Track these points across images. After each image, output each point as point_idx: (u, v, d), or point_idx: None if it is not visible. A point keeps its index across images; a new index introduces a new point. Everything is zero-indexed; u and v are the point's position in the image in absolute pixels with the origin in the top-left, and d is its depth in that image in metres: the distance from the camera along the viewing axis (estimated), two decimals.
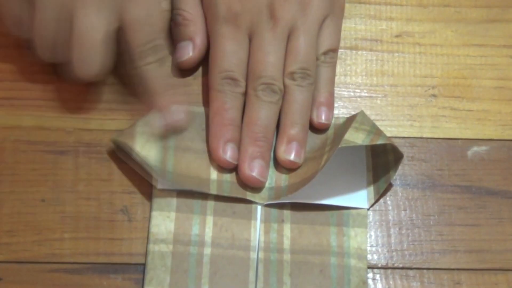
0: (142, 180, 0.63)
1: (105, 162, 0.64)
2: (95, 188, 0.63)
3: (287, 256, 0.61)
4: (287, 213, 0.62)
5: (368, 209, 0.63)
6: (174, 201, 0.62)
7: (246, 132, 0.63)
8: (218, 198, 0.62)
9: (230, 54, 0.63)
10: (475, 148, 0.66)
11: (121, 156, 0.63)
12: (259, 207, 0.63)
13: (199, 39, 0.65)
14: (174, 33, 0.67)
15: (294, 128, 0.63)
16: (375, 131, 0.63)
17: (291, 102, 0.63)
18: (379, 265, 0.62)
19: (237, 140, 0.63)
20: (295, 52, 0.64)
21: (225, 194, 0.62)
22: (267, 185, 0.63)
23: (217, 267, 0.61)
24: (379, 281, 0.62)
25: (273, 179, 0.63)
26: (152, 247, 0.61)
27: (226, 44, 0.64)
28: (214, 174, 0.63)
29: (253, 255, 0.61)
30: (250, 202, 0.63)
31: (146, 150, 0.62)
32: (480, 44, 0.69)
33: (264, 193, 0.63)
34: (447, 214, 0.64)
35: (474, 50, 0.69)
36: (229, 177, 0.63)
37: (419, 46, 0.69)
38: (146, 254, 0.61)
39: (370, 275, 0.62)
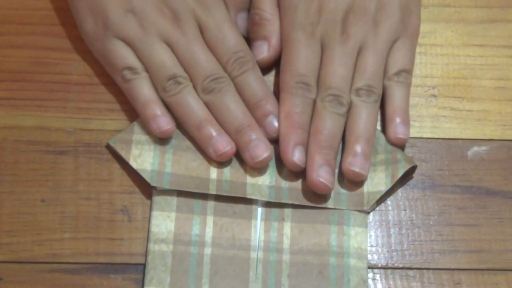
0: (142, 180, 0.63)
1: (105, 162, 0.64)
2: (95, 188, 0.63)
3: (286, 257, 0.61)
4: (287, 211, 0.62)
5: (369, 212, 0.63)
6: (174, 201, 0.62)
7: (313, 140, 0.63)
8: (218, 198, 0.63)
9: (305, 60, 0.64)
10: (475, 148, 0.66)
11: (121, 155, 0.63)
12: (259, 208, 0.63)
13: (275, 40, 0.66)
14: (250, 32, 0.67)
15: (359, 142, 0.63)
16: (391, 155, 0.63)
17: (356, 117, 0.64)
18: (379, 265, 0.62)
19: (305, 143, 0.63)
20: (363, 69, 0.64)
21: (225, 193, 0.62)
22: (267, 183, 0.63)
23: (217, 267, 0.61)
24: (379, 281, 0.62)
25: (273, 178, 0.63)
26: (153, 247, 0.61)
27: (301, 49, 0.64)
28: (214, 173, 0.63)
29: (254, 255, 0.61)
30: (250, 202, 0.63)
31: (140, 162, 0.62)
32: (480, 44, 0.69)
33: (265, 190, 0.63)
34: (447, 214, 0.64)
35: (474, 50, 0.69)
36: (228, 177, 0.63)
37: (419, 46, 0.69)
38: (146, 254, 0.61)
39: (370, 275, 0.62)
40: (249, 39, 0.67)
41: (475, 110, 0.67)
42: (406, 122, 0.65)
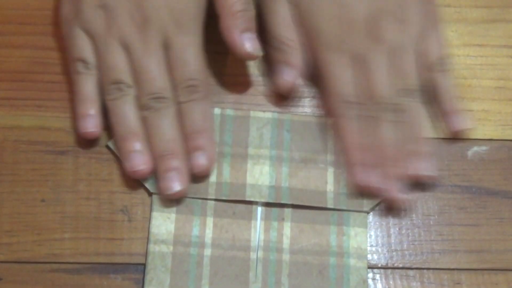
0: None
1: (105, 162, 0.64)
2: (95, 188, 0.63)
3: (286, 256, 0.61)
4: (287, 211, 0.63)
5: (368, 212, 0.63)
6: (174, 202, 0.62)
7: (379, 155, 0.63)
8: (218, 198, 0.63)
9: (341, 79, 0.64)
10: (475, 148, 0.66)
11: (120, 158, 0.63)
12: (259, 208, 0.63)
13: (299, 65, 0.65)
14: (273, 58, 0.66)
15: (415, 143, 0.63)
16: None
17: (408, 119, 0.64)
18: (379, 265, 0.62)
19: (374, 163, 0.63)
20: (400, 70, 0.64)
21: (224, 197, 0.62)
22: (267, 183, 0.63)
23: (217, 268, 0.61)
24: (379, 281, 0.62)
25: (274, 177, 0.63)
26: (153, 248, 0.61)
27: (335, 70, 0.64)
28: (213, 176, 0.63)
29: (253, 256, 0.61)
30: (250, 202, 0.63)
31: None
32: (480, 44, 0.69)
33: (265, 191, 0.63)
34: (447, 214, 0.64)
35: (474, 50, 0.69)
36: (228, 178, 0.63)
37: None
38: (146, 255, 0.61)
39: (370, 275, 0.62)
40: (258, 57, 0.64)
41: (475, 110, 0.67)
42: (460, 112, 0.65)
